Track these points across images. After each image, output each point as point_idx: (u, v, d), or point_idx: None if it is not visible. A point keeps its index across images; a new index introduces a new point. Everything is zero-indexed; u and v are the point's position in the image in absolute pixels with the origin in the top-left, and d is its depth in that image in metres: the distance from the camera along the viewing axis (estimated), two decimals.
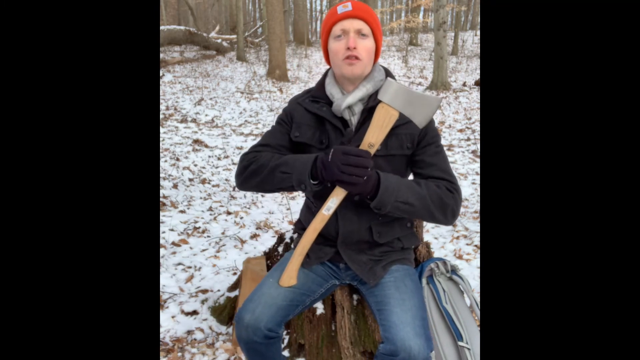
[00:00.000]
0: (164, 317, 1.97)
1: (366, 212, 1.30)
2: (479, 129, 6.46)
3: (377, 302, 1.26)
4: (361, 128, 1.27)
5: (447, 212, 1.22)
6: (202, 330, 1.91)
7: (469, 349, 1.32)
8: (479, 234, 3.10)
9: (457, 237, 3.09)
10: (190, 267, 2.48)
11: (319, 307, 1.57)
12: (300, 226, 1.45)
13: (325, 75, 1.37)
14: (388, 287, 1.27)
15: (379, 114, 1.15)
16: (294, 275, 1.29)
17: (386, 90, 1.15)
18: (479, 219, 3.42)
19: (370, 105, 1.25)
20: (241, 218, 3.35)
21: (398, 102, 1.14)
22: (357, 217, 1.31)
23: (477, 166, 4.97)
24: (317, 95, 1.34)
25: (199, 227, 3.08)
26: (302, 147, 1.36)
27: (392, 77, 1.31)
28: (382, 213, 1.19)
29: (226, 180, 4.31)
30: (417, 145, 1.29)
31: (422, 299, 1.26)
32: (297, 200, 3.87)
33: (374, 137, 1.16)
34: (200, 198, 3.72)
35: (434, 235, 3.18)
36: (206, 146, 5.46)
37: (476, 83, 9.70)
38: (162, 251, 2.67)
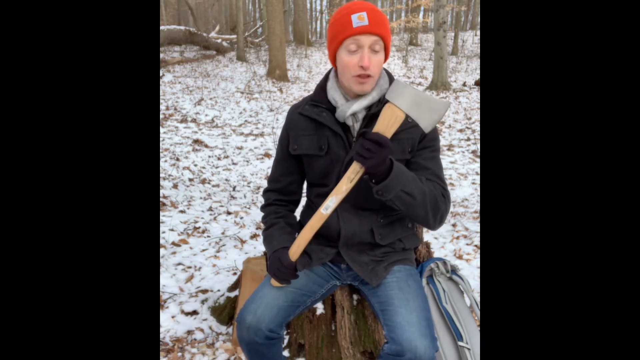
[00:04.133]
0: (164, 317, 1.97)
1: (367, 215, 1.30)
2: (479, 129, 6.46)
3: (381, 303, 1.26)
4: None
5: (437, 216, 1.22)
6: (202, 330, 1.91)
7: (469, 349, 1.32)
8: (479, 234, 3.10)
9: (457, 237, 3.09)
10: (190, 267, 2.48)
11: (319, 307, 1.57)
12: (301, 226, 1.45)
13: (326, 78, 1.33)
14: (391, 288, 1.27)
15: (384, 114, 1.11)
16: None
17: (394, 90, 1.10)
18: (479, 219, 3.42)
19: (373, 111, 1.24)
20: (241, 218, 3.35)
21: (405, 103, 1.09)
22: (359, 220, 1.30)
23: (477, 166, 4.97)
24: (317, 100, 1.31)
25: (199, 227, 3.08)
26: (302, 158, 1.36)
27: (392, 78, 1.30)
28: (383, 199, 1.15)
29: (226, 180, 4.31)
30: (415, 148, 1.28)
31: (425, 299, 1.26)
32: None
33: None
34: (200, 198, 3.72)
35: (434, 235, 3.18)
36: (206, 146, 5.46)
37: (476, 83, 9.70)
38: (162, 251, 2.67)
